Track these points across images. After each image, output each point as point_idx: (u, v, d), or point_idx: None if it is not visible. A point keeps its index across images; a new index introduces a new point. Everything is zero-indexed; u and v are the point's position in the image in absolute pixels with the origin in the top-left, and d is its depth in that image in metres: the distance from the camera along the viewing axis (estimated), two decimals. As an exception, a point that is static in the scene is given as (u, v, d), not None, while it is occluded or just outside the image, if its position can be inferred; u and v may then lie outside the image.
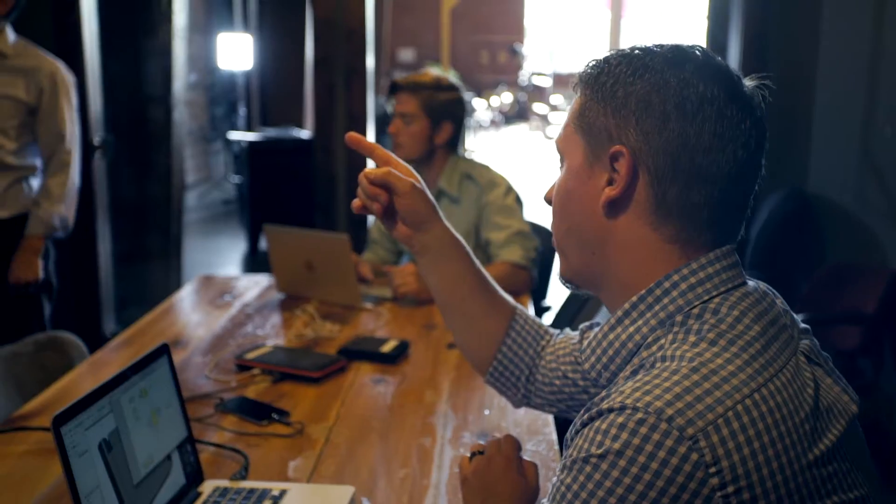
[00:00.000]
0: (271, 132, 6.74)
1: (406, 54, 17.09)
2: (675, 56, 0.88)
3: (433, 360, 1.90)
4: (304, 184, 4.60)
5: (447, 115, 2.46)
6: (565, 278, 0.99)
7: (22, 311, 2.60)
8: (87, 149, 3.55)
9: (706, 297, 0.86)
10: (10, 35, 2.52)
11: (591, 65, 0.93)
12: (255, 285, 2.53)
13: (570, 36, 19.27)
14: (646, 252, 0.89)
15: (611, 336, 0.92)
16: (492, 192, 2.45)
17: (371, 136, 3.60)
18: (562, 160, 0.95)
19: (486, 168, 2.53)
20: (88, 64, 3.54)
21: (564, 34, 19.40)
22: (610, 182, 0.88)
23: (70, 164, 2.61)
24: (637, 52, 0.90)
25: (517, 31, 18.41)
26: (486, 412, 1.62)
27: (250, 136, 6.57)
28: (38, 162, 2.60)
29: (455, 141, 2.51)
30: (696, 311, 0.85)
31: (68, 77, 2.60)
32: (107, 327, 3.82)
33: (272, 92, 8.38)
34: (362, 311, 2.26)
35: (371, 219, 2.73)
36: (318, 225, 3.67)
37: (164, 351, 1.29)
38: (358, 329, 2.12)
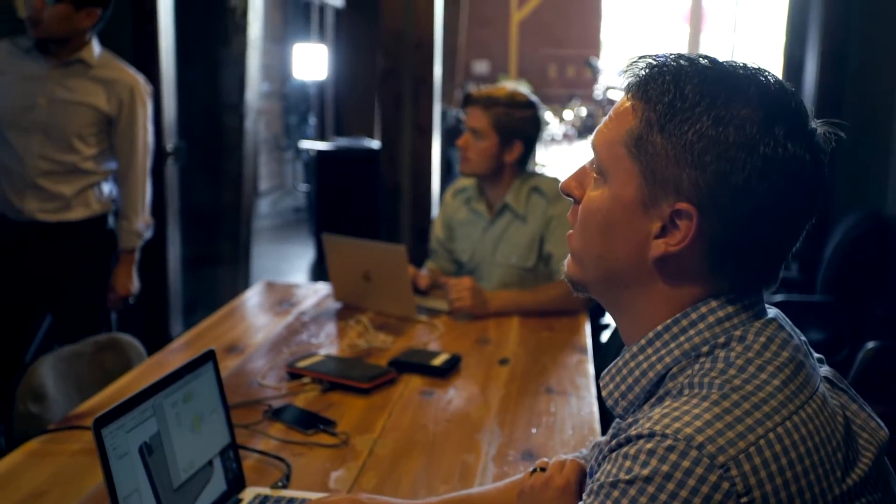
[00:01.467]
0: (342, 142, 6.81)
1: (480, 66, 17.14)
2: (756, 94, 0.80)
3: (484, 376, 1.88)
4: (371, 193, 4.64)
5: (519, 133, 2.42)
6: (573, 281, 0.93)
7: (91, 312, 2.67)
8: (161, 155, 3.64)
9: (732, 329, 0.83)
10: (96, 47, 2.60)
11: (653, 74, 0.83)
12: (314, 293, 2.55)
13: (648, 50, 19.03)
14: (680, 291, 0.85)
15: (631, 364, 0.87)
16: (558, 204, 2.42)
17: (437, 147, 3.61)
18: (602, 174, 0.87)
19: (555, 181, 2.49)
20: (164, 72, 3.63)
21: (641, 48, 19.19)
22: (663, 230, 0.83)
23: (145, 174, 2.68)
24: (721, 85, 0.80)
25: (587, 45, 18.26)
26: (534, 431, 1.60)
27: (320, 146, 6.65)
28: (111, 167, 2.67)
29: (526, 159, 2.47)
30: (721, 340, 0.82)
31: (146, 90, 2.66)
32: (174, 330, 3.89)
33: (346, 102, 8.48)
34: (417, 322, 2.25)
35: (432, 227, 2.73)
36: (382, 235, 3.69)
37: (209, 357, 1.30)
38: (411, 341, 2.12)
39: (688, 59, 0.84)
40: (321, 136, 9.85)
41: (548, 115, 15.39)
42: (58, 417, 1.66)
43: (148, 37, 3.59)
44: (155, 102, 3.56)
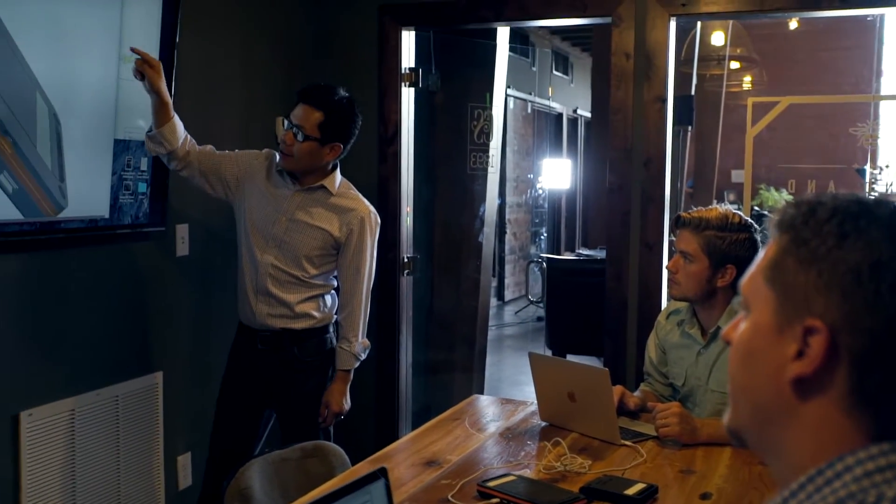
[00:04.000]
0: (585, 252, 6.84)
1: (739, 175, 16.66)
2: (887, 215, 0.80)
3: (680, 511, 1.78)
4: (599, 305, 4.61)
5: (731, 257, 2.32)
6: (731, 430, 0.90)
7: (312, 419, 2.83)
8: (397, 266, 3.85)
9: (882, 484, 0.74)
10: (337, 177, 2.83)
11: (792, 211, 0.85)
12: (522, 410, 2.55)
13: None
14: (828, 434, 0.79)
15: None
16: None
17: (664, 263, 3.53)
18: (747, 309, 0.88)
19: None
20: (403, 189, 3.87)
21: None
22: (799, 354, 0.80)
23: (367, 299, 2.84)
24: (853, 207, 0.81)
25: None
26: (723, 578, 1.48)
27: (558, 256, 6.72)
28: (333, 283, 2.86)
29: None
30: (871, 499, 0.74)
31: (376, 220, 2.85)
32: (402, 435, 4.01)
33: (591, 214, 8.55)
34: (619, 447, 2.18)
35: (646, 349, 2.66)
36: (607, 351, 3.63)
37: (381, 474, 1.34)
38: (610, 466, 2.05)
39: (834, 198, 0.84)
40: (569, 247, 9.96)
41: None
42: (260, 518, 1.77)
43: (391, 156, 3.86)
44: (393, 216, 3.80)
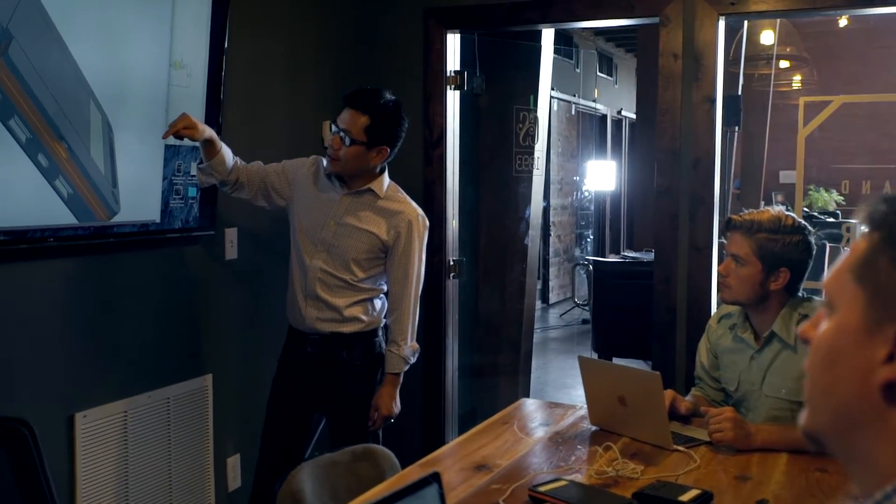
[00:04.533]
0: (630, 255, 6.78)
1: (788, 177, 16.37)
2: None
3: (736, 518, 1.75)
4: (647, 308, 4.56)
5: (784, 261, 2.28)
6: (808, 433, 0.87)
7: (361, 423, 2.83)
8: (443, 269, 3.85)
9: None
10: (385, 179, 2.84)
11: (883, 207, 0.82)
12: (571, 414, 2.52)
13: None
14: None
15: None
16: None
17: (714, 267, 3.48)
18: (830, 307, 0.85)
19: None
20: (449, 192, 3.87)
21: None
22: (891, 358, 0.77)
23: (417, 302, 2.84)
24: None
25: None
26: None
27: (606, 259, 6.66)
28: (382, 286, 2.86)
29: (794, 285, 2.32)
30: None
31: (424, 223, 2.84)
32: (448, 439, 4.01)
33: (637, 216, 8.47)
34: (672, 452, 2.15)
35: (697, 353, 2.62)
36: (655, 355, 3.59)
37: (433, 479, 1.33)
38: (662, 471, 2.02)
39: None
40: (614, 249, 9.88)
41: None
42: (311, 521, 1.77)
43: (437, 159, 3.86)
44: (439, 219, 3.80)
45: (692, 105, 3.46)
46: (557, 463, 2.09)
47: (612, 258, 6.77)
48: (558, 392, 6.21)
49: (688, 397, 2.50)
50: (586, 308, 8.63)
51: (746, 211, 2.37)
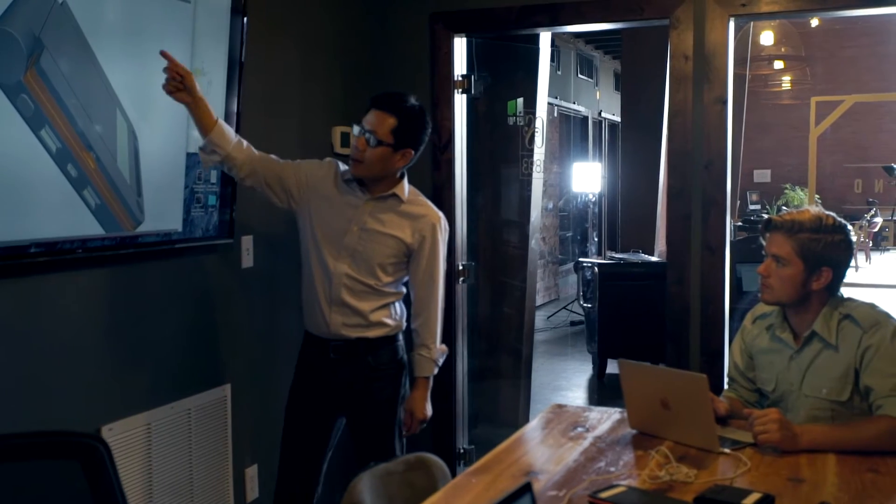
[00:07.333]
0: (620, 256, 6.80)
1: (762, 175, 16.52)
2: None
3: (801, 520, 1.75)
4: (653, 310, 4.56)
5: (826, 260, 2.28)
6: None
7: (386, 429, 2.82)
8: (453, 274, 3.83)
9: None
10: (406, 184, 2.82)
11: None
12: (608, 418, 2.51)
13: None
14: None
15: None
16: (876, 334, 2.23)
17: (726, 266, 3.50)
18: None
19: (871, 307, 2.31)
20: (457, 196, 3.86)
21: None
22: None
23: (441, 303, 2.83)
24: None
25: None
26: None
27: (600, 261, 6.67)
28: (402, 289, 2.85)
29: (835, 285, 2.33)
30: None
31: (445, 227, 2.84)
32: (459, 443, 3.99)
33: (623, 217, 8.50)
34: (719, 455, 2.15)
35: (727, 356, 2.63)
36: (670, 357, 3.59)
37: (526, 489, 1.32)
38: (715, 475, 2.02)
39: None
40: (598, 251, 9.91)
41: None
42: (372, 534, 1.74)
43: (445, 163, 3.84)
44: (449, 224, 3.78)
45: (703, 106, 3.47)
46: (607, 468, 2.08)
47: (602, 260, 6.78)
48: (555, 394, 6.21)
49: (721, 398, 2.50)
50: (574, 311, 8.65)
51: (787, 211, 2.38)
